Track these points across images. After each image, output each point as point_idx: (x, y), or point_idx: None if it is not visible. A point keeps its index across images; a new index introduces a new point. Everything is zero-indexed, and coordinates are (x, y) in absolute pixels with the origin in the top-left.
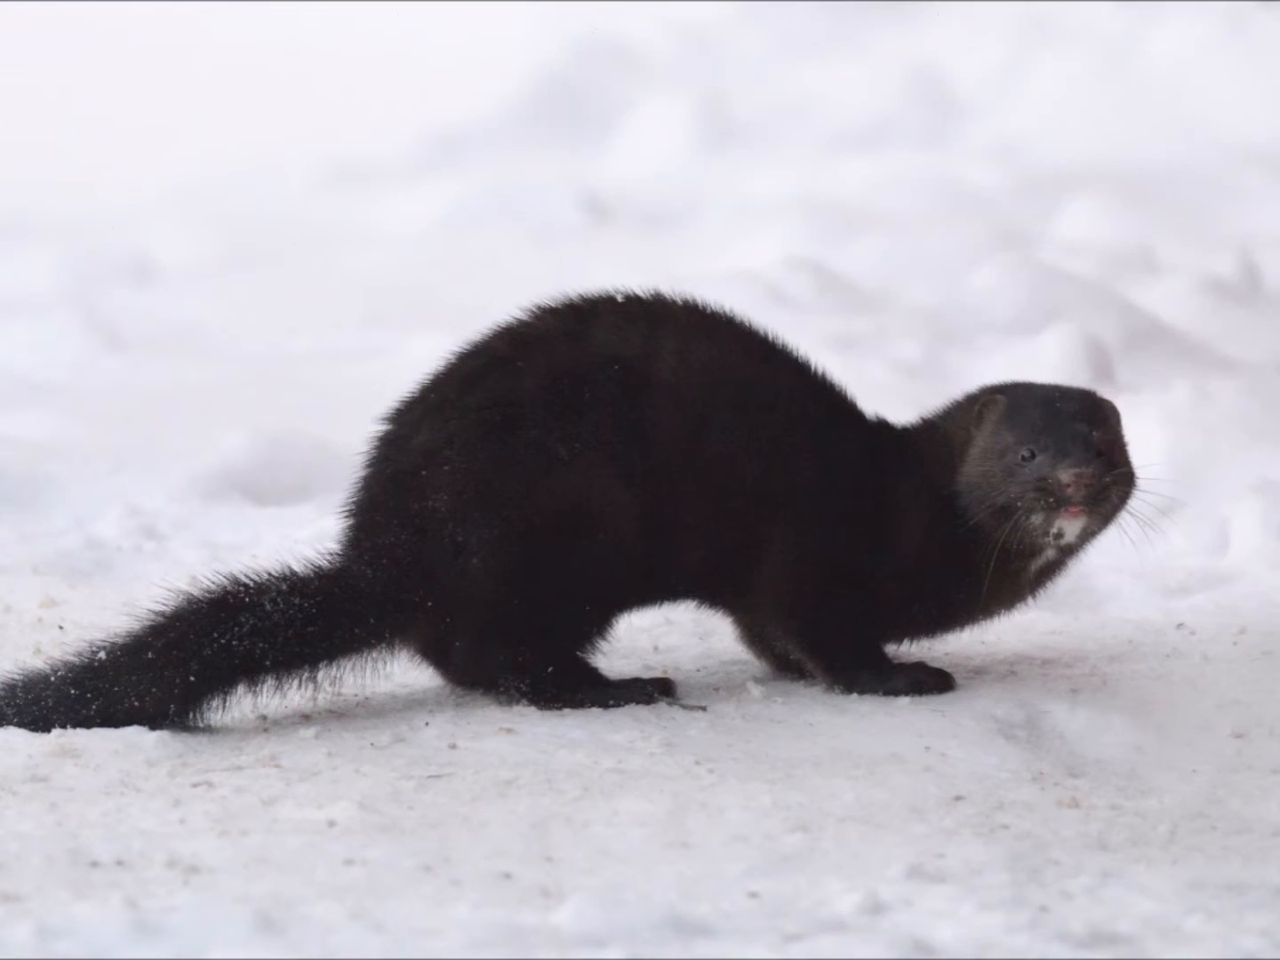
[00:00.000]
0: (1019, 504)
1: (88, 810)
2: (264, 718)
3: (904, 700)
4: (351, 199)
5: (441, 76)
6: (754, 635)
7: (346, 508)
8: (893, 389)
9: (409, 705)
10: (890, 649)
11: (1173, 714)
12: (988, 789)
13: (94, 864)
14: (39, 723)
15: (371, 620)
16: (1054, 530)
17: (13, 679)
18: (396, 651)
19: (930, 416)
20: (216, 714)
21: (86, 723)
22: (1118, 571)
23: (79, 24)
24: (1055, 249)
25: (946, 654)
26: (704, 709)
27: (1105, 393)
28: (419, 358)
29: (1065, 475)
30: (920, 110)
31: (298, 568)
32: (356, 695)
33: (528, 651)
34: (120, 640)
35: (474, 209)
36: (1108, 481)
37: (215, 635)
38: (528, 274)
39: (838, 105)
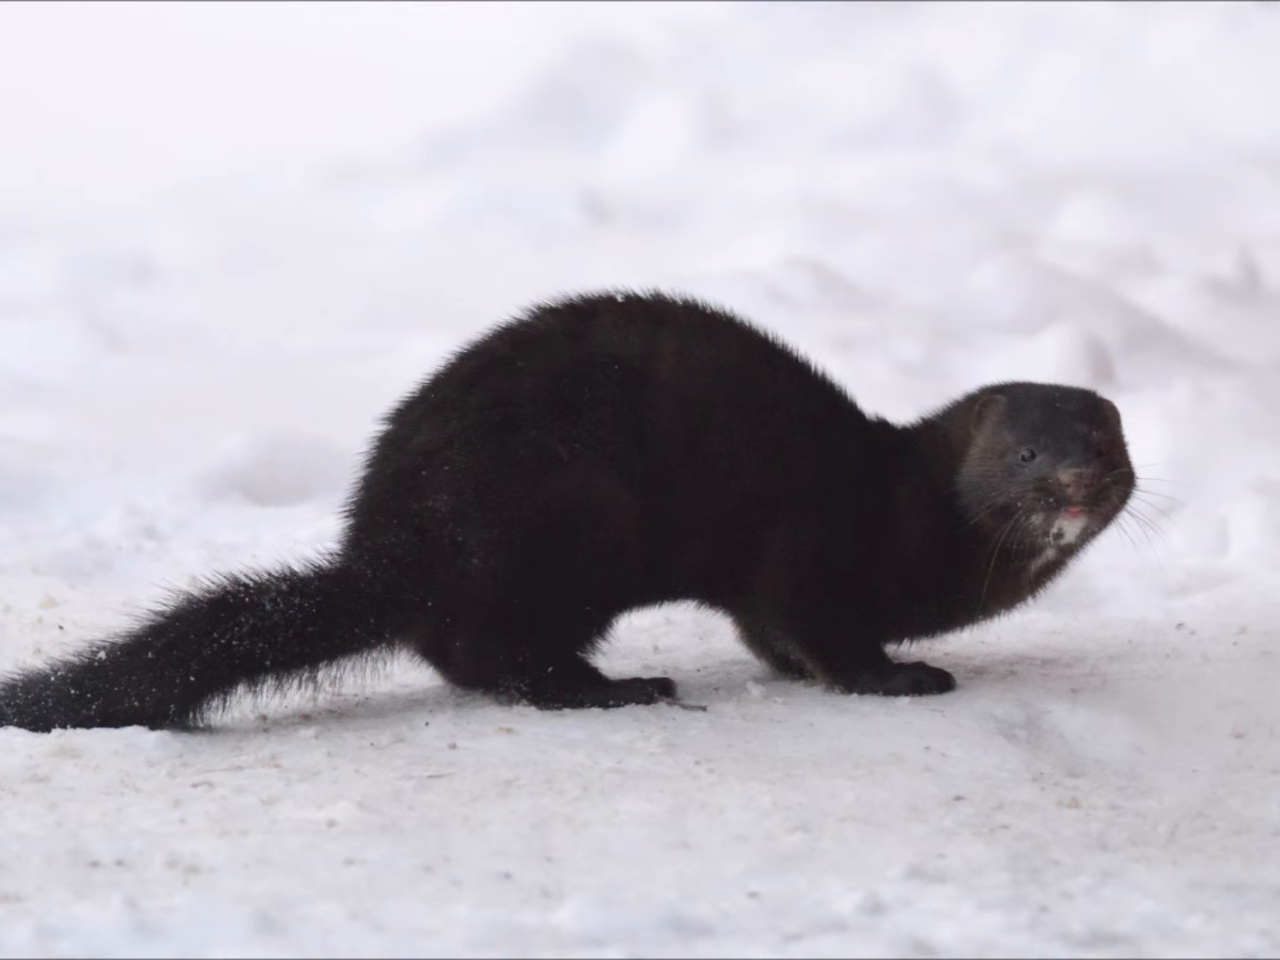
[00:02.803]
0: (1019, 504)
1: (88, 810)
2: (264, 718)
3: (904, 700)
4: (351, 199)
5: (441, 77)
6: (754, 635)
7: (346, 508)
8: (893, 389)
9: (409, 705)
10: (890, 649)
11: (1173, 714)
12: (988, 789)
13: (94, 864)
14: (39, 723)
15: (371, 620)
16: (1054, 530)
17: (13, 679)
18: (396, 651)
19: (930, 416)
20: (216, 714)
21: (86, 723)
22: (1118, 571)
23: (77, 24)
24: (1055, 249)
25: (946, 654)
26: (704, 709)
27: (1105, 393)
28: (419, 358)
29: (1065, 475)
30: (920, 110)
31: (298, 568)
32: (356, 695)
33: (528, 651)
34: (120, 640)
35: (474, 209)
36: (1108, 481)
37: (215, 635)
38: (528, 274)
39: (838, 105)
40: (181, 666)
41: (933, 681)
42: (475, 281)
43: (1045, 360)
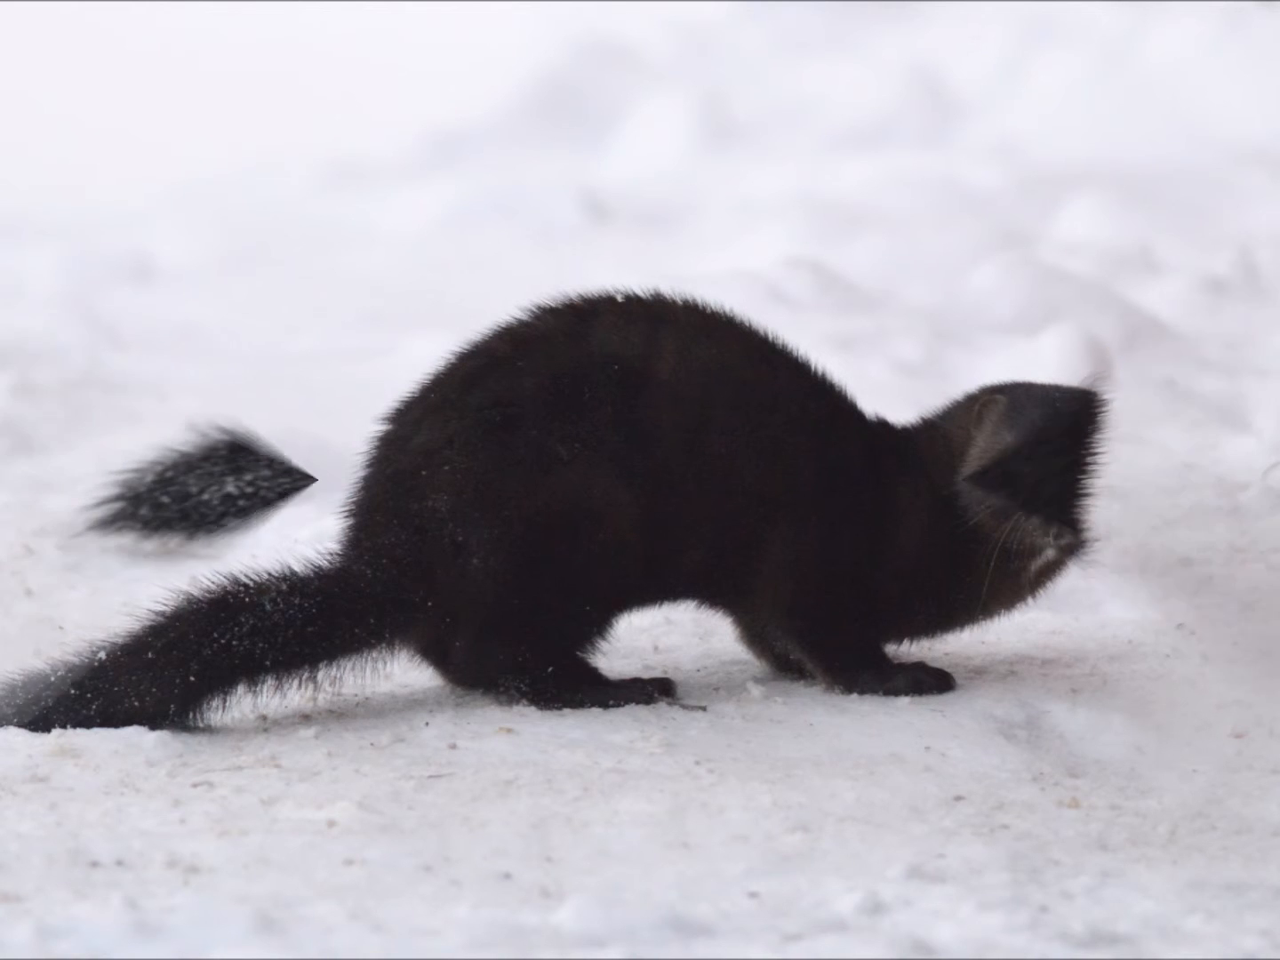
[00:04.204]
0: None
1: (88, 810)
2: (264, 718)
3: (904, 700)
4: (351, 199)
5: (441, 76)
6: (754, 635)
7: (346, 508)
8: (893, 389)
9: (409, 705)
10: (890, 649)
11: (1173, 714)
12: (988, 789)
13: (94, 864)
14: (39, 723)
15: (371, 620)
16: (1054, 530)
17: (13, 679)
18: (396, 651)
19: (930, 416)
20: (216, 714)
21: (86, 723)
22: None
23: (77, 24)
24: (1055, 249)
25: (946, 654)
26: (704, 709)
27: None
28: (419, 358)
29: None
30: (920, 110)
31: (298, 568)
32: (356, 695)
33: (528, 651)
34: (120, 640)
35: (474, 209)
36: None
37: (215, 635)
38: (528, 274)
39: (838, 105)
40: (181, 666)
41: (933, 681)
42: (475, 281)
43: (1045, 360)
